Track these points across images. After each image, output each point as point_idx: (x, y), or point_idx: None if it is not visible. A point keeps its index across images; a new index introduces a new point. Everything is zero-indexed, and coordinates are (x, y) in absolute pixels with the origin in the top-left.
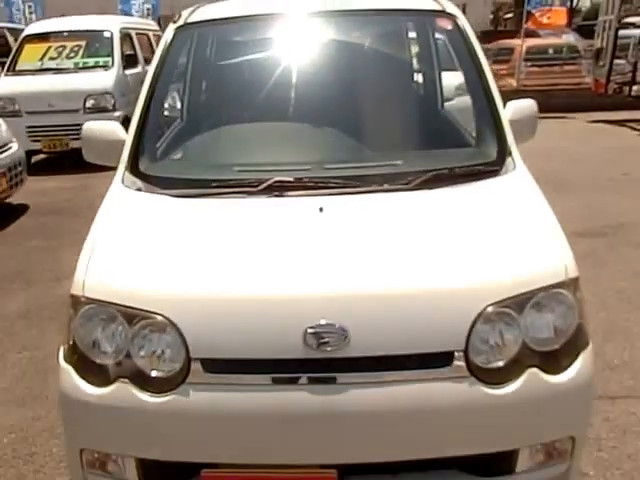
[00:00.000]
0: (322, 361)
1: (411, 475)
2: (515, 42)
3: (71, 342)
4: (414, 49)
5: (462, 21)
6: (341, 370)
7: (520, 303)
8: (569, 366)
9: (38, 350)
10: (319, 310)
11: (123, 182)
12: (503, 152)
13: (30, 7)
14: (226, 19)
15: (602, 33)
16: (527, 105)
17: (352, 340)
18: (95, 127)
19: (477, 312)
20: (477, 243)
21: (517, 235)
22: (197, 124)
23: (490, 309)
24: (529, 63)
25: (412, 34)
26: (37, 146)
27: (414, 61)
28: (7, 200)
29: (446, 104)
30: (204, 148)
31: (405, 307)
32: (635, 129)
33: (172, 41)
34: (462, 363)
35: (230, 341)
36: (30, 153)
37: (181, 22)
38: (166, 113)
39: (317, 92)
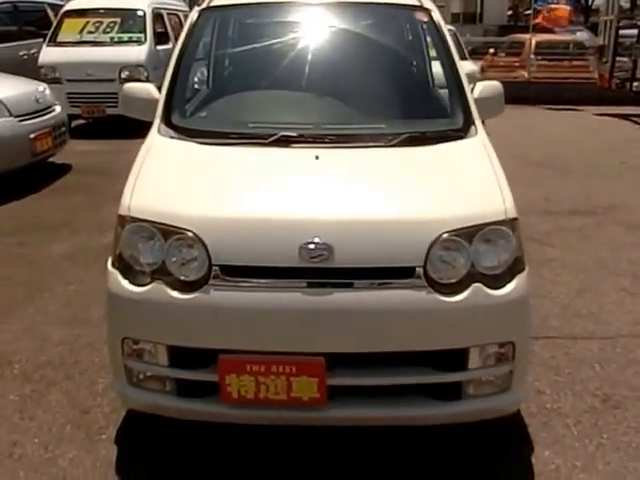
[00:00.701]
0: (312, 270)
1: (385, 369)
2: (526, 37)
3: (117, 253)
4: (403, 36)
5: (436, 15)
6: (327, 277)
7: (469, 234)
8: (507, 284)
9: (82, 285)
10: (312, 230)
11: (159, 132)
12: (468, 122)
13: None
14: (244, 4)
15: (604, 32)
16: (493, 85)
17: (336, 255)
18: (133, 86)
19: (434, 237)
20: (438, 186)
21: (470, 182)
22: (220, 90)
23: (445, 236)
24: (539, 57)
25: (401, 24)
26: (77, 111)
27: (403, 46)
28: (51, 160)
29: None
30: (225, 109)
31: (378, 230)
32: (637, 123)
33: (197, 20)
34: (421, 276)
35: (243, 252)
36: (70, 118)
37: (204, 5)
38: (196, 87)
39: (319, 67)
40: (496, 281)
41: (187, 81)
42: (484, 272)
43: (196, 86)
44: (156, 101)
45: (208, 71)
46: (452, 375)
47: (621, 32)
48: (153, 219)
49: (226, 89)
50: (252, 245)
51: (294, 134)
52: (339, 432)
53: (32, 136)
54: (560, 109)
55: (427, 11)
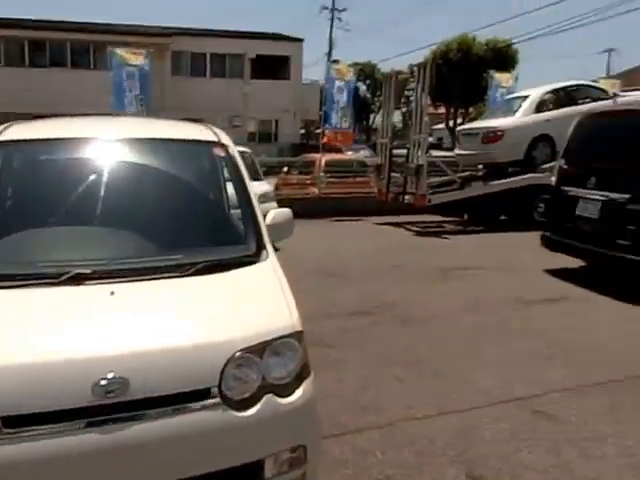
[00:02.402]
0: (106, 406)
1: None
2: (317, 156)
3: None
4: (200, 168)
5: (232, 149)
6: (123, 411)
7: (260, 350)
8: (295, 390)
9: None
10: (105, 366)
11: None
12: (260, 247)
13: None
14: (34, 140)
15: (381, 152)
16: (284, 212)
17: (132, 387)
18: None
19: (227, 357)
20: (232, 309)
21: (260, 303)
22: (4, 229)
23: (238, 354)
24: (328, 174)
25: (199, 157)
26: None
27: (200, 178)
28: None
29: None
30: (12, 249)
31: (171, 357)
32: (408, 229)
33: None
34: (217, 395)
35: (26, 400)
36: None
37: None
38: None
39: (113, 202)
40: (286, 389)
41: None
42: (274, 382)
43: None
44: None
45: None
46: None
47: (395, 151)
48: None
49: (12, 228)
50: (40, 390)
51: (88, 271)
52: None
53: None
54: (345, 220)
55: (224, 147)
